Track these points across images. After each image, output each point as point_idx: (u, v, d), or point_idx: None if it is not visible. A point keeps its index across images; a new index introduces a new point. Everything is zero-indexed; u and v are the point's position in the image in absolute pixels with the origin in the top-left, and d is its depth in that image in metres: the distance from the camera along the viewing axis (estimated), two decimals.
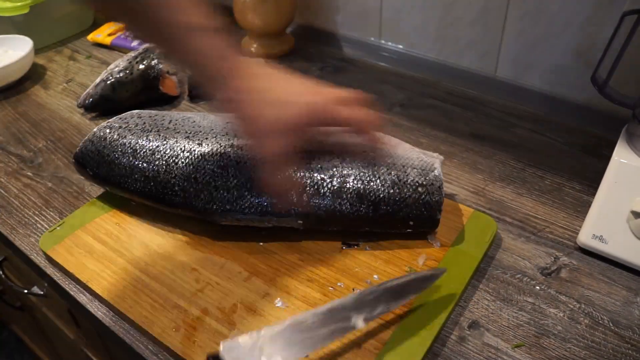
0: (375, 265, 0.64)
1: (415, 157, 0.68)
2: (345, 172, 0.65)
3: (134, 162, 0.69)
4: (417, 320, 0.58)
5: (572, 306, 0.61)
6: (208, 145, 0.68)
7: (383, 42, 1.14)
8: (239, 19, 1.12)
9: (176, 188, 0.67)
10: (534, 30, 0.91)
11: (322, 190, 0.64)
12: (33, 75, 1.11)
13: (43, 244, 0.69)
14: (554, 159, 0.83)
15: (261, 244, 0.68)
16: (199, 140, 0.69)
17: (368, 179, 0.65)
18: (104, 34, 1.22)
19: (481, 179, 0.80)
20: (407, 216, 0.65)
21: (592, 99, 0.90)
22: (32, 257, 0.70)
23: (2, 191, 0.81)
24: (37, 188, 0.81)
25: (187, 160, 0.67)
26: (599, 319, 0.60)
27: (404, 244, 0.67)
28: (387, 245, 0.67)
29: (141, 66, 0.95)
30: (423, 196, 0.65)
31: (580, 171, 0.80)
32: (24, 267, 0.76)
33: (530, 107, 0.95)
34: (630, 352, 0.56)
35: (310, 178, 0.65)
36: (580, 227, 0.67)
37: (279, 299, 0.61)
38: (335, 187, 0.64)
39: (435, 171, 0.66)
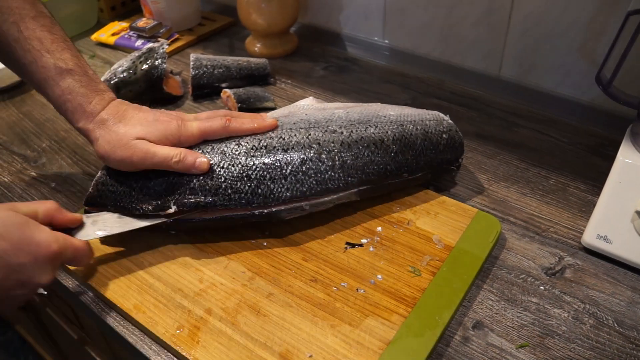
0: (379, 265, 0.64)
1: (422, 112, 0.76)
2: (381, 135, 0.70)
3: (172, 179, 0.65)
4: (421, 320, 0.58)
5: (576, 306, 0.61)
6: (247, 142, 0.67)
7: (387, 41, 1.13)
8: (242, 18, 1.12)
9: (229, 191, 0.64)
10: (538, 29, 0.91)
11: (371, 157, 0.68)
12: None
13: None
14: (558, 159, 0.83)
15: (265, 244, 0.68)
16: (235, 140, 0.67)
17: (403, 136, 0.71)
18: (107, 33, 1.22)
19: (485, 178, 0.80)
20: (441, 160, 0.74)
21: (597, 98, 0.90)
22: None
23: (6, 191, 0.81)
24: (41, 188, 0.81)
25: (233, 161, 0.65)
26: (604, 319, 0.60)
27: (408, 244, 0.67)
28: (390, 245, 0.67)
29: (145, 66, 0.95)
30: (448, 141, 0.74)
31: (585, 171, 0.80)
32: None
33: (534, 106, 0.95)
34: (634, 352, 0.56)
35: (356, 149, 0.68)
36: (585, 227, 0.67)
37: (282, 299, 0.61)
38: (380, 153, 0.69)
39: (447, 119, 0.76)
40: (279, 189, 0.64)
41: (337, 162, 0.66)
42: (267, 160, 0.65)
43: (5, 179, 0.84)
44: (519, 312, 0.61)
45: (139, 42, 1.17)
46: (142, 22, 1.18)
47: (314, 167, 0.66)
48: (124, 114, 0.66)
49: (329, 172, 0.66)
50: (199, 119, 0.68)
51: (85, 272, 0.65)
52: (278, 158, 0.65)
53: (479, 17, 0.96)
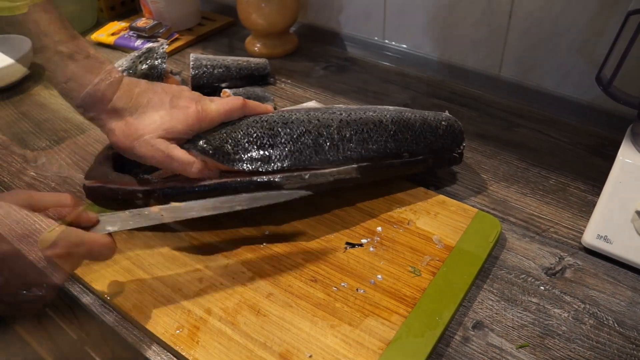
0: (379, 266, 0.64)
1: (422, 110, 0.76)
2: (380, 117, 0.71)
3: None
4: (421, 321, 0.58)
5: (576, 306, 0.61)
6: (246, 118, 0.69)
7: (387, 41, 1.13)
8: (242, 18, 1.12)
9: (228, 146, 0.65)
10: (539, 29, 0.91)
11: (370, 134, 0.69)
12: (35, 75, 1.11)
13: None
14: (558, 159, 0.83)
15: (265, 244, 0.68)
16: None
17: (401, 119, 0.72)
18: (106, 33, 1.22)
19: (485, 178, 0.80)
20: (441, 145, 0.74)
21: (597, 98, 0.90)
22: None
23: (6, 191, 0.81)
24: (41, 188, 0.81)
25: (235, 127, 0.67)
26: (604, 319, 0.59)
27: (408, 244, 0.67)
28: (390, 245, 0.67)
29: (144, 66, 0.95)
30: (447, 127, 0.75)
31: (585, 171, 0.80)
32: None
33: (535, 106, 0.95)
34: (635, 352, 0.56)
35: (355, 126, 0.69)
36: (585, 227, 0.67)
37: (282, 299, 0.61)
38: (379, 131, 0.70)
39: (445, 111, 0.77)
40: (278, 156, 0.65)
41: (336, 136, 0.68)
42: (268, 129, 0.66)
43: (5, 179, 0.84)
44: (519, 312, 0.60)
45: (138, 42, 1.16)
46: (141, 22, 1.17)
47: (313, 138, 0.67)
48: (138, 100, 0.64)
49: (328, 143, 0.67)
50: (214, 101, 0.68)
51: (85, 273, 0.65)
52: (279, 129, 0.67)
53: (479, 17, 0.96)
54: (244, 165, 0.65)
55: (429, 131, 0.73)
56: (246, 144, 0.65)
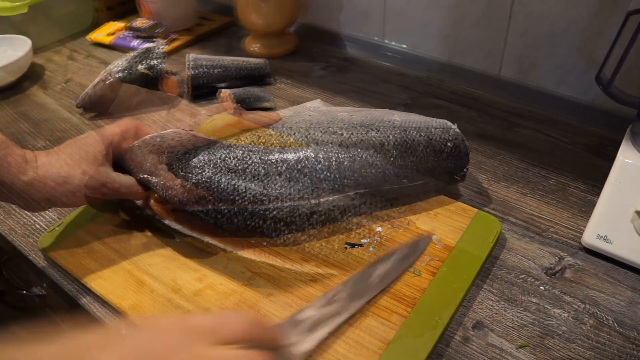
0: None
1: (429, 120, 0.74)
2: (382, 139, 0.69)
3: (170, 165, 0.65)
4: (421, 321, 0.58)
5: (576, 306, 0.61)
6: (245, 137, 0.67)
7: (386, 41, 1.13)
8: (241, 18, 1.12)
9: (223, 183, 0.64)
10: (539, 29, 0.91)
11: (369, 160, 0.68)
12: (32, 76, 1.11)
13: (42, 244, 0.69)
14: (558, 159, 0.83)
15: (264, 244, 0.68)
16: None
17: (405, 141, 0.70)
18: (104, 33, 1.22)
19: (485, 178, 0.80)
20: (443, 169, 0.72)
21: (597, 98, 0.90)
22: (31, 257, 0.70)
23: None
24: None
25: (229, 154, 0.65)
26: (604, 319, 0.59)
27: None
28: (390, 245, 0.67)
29: (142, 66, 0.95)
30: (453, 149, 0.72)
31: (585, 171, 0.80)
32: (25, 267, 0.75)
33: (535, 106, 0.95)
34: (635, 352, 0.56)
35: (354, 151, 0.67)
36: (585, 227, 0.67)
37: (282, 299, 0.61)
38: (379, 157, 0.68)
39: (454, 127, 0.73)
40: (273, 185, 0.64)
41: (333, 163, 0.66)
42: (262, 156, 0.65)
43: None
44: (519, 312, 0.60)
45: (136, 42, 1.16)
46: (139, 22, 1.17)
47: (309, 166, 0.65)
48: (135, 110, 0.67)
49: (325, 172, 0.66)
50: (211, 111, 0.68)
51: (83, 273, 0.65)
52: (274, 154, 0.65)
53: (479, 17, 0.96)
54: (236, 194, 0.64)
55: (432, 155, 0.70)
56: (240, 175, 0.64)
